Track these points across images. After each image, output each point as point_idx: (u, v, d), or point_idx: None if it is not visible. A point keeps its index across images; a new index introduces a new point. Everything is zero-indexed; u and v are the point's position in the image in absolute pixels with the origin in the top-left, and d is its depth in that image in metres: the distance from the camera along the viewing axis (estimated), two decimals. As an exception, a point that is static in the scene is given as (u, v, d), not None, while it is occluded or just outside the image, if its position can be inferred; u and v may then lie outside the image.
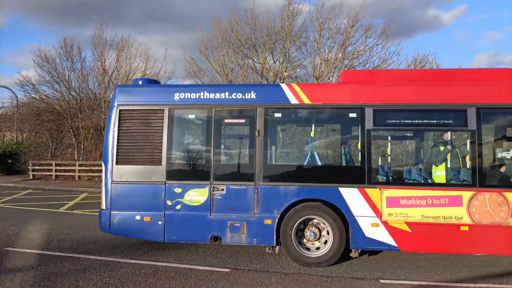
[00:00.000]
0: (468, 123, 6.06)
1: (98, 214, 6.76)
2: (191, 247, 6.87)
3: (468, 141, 6.18)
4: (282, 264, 5.98)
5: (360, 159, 6.22)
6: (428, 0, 58.23)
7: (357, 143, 6.35)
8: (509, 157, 6.85)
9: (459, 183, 6.11)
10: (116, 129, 6.57)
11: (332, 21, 19.87)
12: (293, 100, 6.40)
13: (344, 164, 6.67)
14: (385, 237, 6.02)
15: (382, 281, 5.29)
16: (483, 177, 5.96)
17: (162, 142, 6.48)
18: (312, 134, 7.39)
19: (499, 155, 6.82)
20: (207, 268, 5.76)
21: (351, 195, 6.09)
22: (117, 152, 6.56)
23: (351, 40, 19.88)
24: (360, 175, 6.11)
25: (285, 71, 20.84)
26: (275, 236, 6.13)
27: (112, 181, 6.51)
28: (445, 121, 6.29)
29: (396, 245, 5.97)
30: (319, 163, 6.78)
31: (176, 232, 6.36)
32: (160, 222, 6.36)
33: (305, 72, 21.39)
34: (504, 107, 6.06)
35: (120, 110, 6.61)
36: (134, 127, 6.60)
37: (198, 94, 6.57)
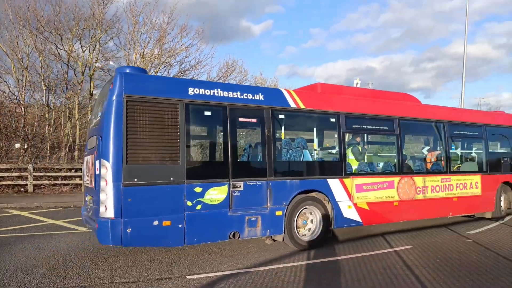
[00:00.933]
0: (394, 129, 8.37)
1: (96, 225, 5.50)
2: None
3: (394, 142, 8.51)
4: (83, 277, 5.35)
5: (339, 155, 7.67)
6: (242, 12, 63.83)
7: (337, 142, 7.75)
8: (425, 152, 9.78)
9: (392, 171, 8.31)
10: (124, 123, 5.55)
11: (147, 15, 19.36)
12: (292, 104, 7.18)
13: (330, 159, 8.20)
14: (355, 216, 7.61)
15: (189, 277, 5.34)
16: (403, 167, 8.39)
17: (179, 139, 5.93)
18: (307, 134, 8.40)
19: (410, 151, 9.64)
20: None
21: (334, 185, 7.39)
22: (127, 150, 5.54)
23: (167, 38, 19.83)
24: (340, 168, 7.55)
25: (96, 62, 19.14)
26: (284, 226, 6.76)
27: (123, 183, 5.47)
28: (382, 127, 8.47)
29: (361, 221, 7.66)
30: (314, 159, 8.04)
31: (197, 233, 6.04)
32: (180, 225, 5.88)
33: (120, 65, 20.15)
34: (412, 119, 8.72)
35: (127, 101, 5.62)
36: (146, 122, 5.75)
37: (212, 91, 6.42)
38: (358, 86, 27.58)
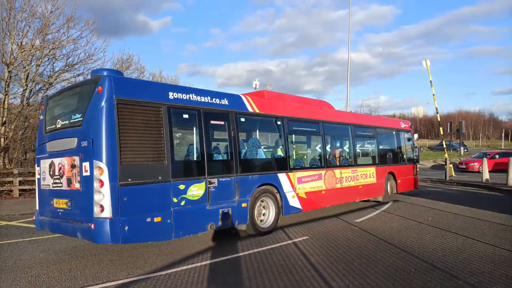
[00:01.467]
0: (320, 131, 10.13)
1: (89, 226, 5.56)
2: None
3: (320, 141, 10.21)
4: None
5: (285, 153, 8.93)
6: (138, 5, 60.89)
7: (283, 141, 8.99)
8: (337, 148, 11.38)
9: (320, 166, 10.01)
10: (116, 125, 5.74)
11: (25, 1, 17.22)
12: (250, 109, 8.18)
13: (279, 157, 9.01)
14: (297, 204, 8.97)
15: (83, 290, 4.93)
16: (327, 162, 10.20)
17: (163, 140, 6.32)
18: (260, 135, 9.50)
19: (331, 148, 10.85)
20: None
21: (282, 178, 8.68)
22: (121, 151, 5.76)
23: (51, 28, 17.92)
24: (286, 164, 8.88)
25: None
26: (248, 216, 7.74)
27: (119, 183, 5.68)
28: (312, 129, 10.12)
29: (301, 208, 9.10)
30: (267, 157, 8.92)
31: (182, 227, 6.52)
32: (169, 220, 6.30)
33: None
34: (330, 122, 10.59)
35: (118, 104, 5.82)
36: (135, 124, 6.03)
37: (188, 96, 6.94)
38: (257, 87, 28.46)
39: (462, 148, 51.33)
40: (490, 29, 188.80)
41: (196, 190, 6.78)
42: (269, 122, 9.12)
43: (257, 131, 9.50)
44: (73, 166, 6.10)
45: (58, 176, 6.45)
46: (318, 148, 10.40)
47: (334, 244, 7.05)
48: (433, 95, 21.68)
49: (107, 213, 5.60)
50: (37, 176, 7.13)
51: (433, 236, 7.55)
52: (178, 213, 6.45)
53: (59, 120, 6.65)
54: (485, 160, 19.22)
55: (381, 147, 12.73)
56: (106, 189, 5.61)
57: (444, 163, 21.92)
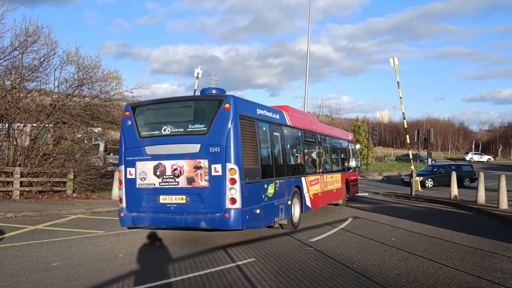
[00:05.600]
0: (316, 141, 13.99)
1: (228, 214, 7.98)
2: None
3: (315, 149, 14.03)
4: None
5: (303, 160, 12.51)
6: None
7: (302, 149, 12.57)
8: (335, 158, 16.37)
9: (316, 172, 13.64)
10: (239, 135, 8.35)
11: None
12: (288, 122, 11.48)
13: (301, 163, 12.44)
14: (309, 204, 12.31)
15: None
16: (320, 168, 14.01)
17: (257, 147, 9.12)
18: (289, 144, 11.76)
19: (321, 156, 14.41)
20: None
21: (303, 181, 11.99)
22: (243, 156, 8.36)
23: None
24: (304, 169, 12.56)
25: None
26: (290, 212, 10.69)
27: (244, 182, 8.30)
28: (312, 140, 13.80)
29: (311, 207, 12.56)
30: (297, 163, 12.17)
31: (266, 218, 9.28)
32: (262, 212, 9.02)
33: None
34: (320, 133, 14.44)
35: (240, 119, 8.48)
36: (246, 134, 8.67)
37: (263, 111, 9.87)
38: (200, 76, 28.35)
39: (430, 159, 54.18)
40: (462, 29, 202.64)
41: (271, 189, 9.58)
42: (295, 133, 12.29)
43: (289, 140, 11.89)
44: (197, 168, 8.31)
45: (172, 176, 8.53)
46: (315, 156, 13.78)
47: (285, 268, 7.08)
48: (400, 98, 22.83)
49: (238, 204, 8.11)
50: (127, 176, 8.85)
51: (396, 259, 7.83)
52: (265, 206, 9.18)
53: (165, 127, 8.73)
54: (453, 174, 20.13)
55: (342, 156, 16.98)
56: (238, 186, 8.12)
57: (410, 176, 23.07)
